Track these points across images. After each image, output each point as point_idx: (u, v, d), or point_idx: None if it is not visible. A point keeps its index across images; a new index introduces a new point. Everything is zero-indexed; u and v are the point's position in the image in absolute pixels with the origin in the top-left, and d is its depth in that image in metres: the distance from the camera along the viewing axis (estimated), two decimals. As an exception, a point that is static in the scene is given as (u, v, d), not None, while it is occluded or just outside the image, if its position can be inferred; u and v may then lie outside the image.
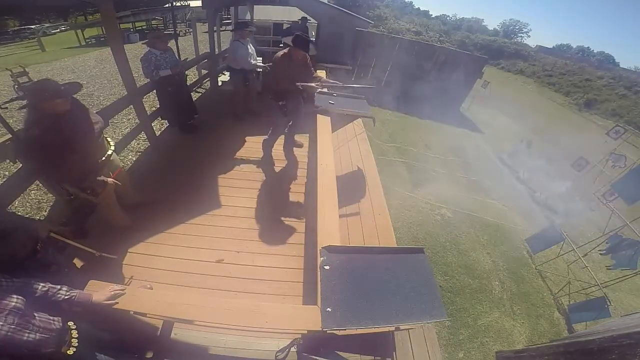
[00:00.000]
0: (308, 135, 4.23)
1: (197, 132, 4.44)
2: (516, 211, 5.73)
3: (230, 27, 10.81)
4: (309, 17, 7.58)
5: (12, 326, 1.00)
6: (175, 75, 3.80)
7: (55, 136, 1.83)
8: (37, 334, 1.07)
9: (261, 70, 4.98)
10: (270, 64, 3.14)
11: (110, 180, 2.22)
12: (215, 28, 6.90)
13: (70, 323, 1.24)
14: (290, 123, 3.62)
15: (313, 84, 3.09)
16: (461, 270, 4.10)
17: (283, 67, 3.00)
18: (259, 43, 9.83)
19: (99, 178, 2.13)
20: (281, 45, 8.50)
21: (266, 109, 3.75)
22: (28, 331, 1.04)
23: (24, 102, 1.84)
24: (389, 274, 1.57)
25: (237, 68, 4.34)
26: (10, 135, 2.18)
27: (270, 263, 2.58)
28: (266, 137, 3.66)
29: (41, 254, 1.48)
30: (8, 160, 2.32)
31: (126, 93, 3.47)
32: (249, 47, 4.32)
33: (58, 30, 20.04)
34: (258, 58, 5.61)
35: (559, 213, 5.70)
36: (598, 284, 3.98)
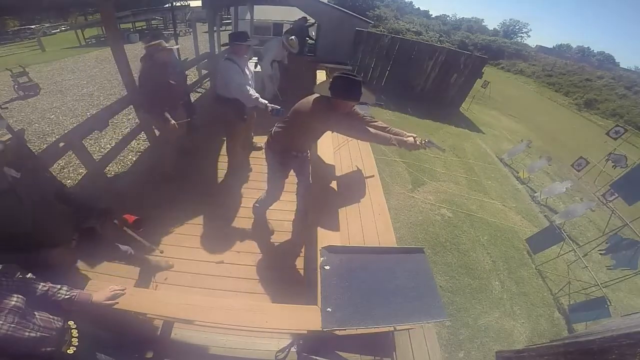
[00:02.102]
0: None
1: (197, 132, 4.44)
2: (516, 211, 5.73)
3: (231, 27, 10.75)
4: (308, 17, 7.57)
5: (12, 325, 1.00)
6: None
7: (161, 74, 2.80)
8: (38, 332, 1.07)
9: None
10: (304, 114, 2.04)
11: (173, 122, 2.89)
12: (215, 28, 6.90)
13: (71, 322, 1.24)
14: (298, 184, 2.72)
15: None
16: (461, 270, 4.09)
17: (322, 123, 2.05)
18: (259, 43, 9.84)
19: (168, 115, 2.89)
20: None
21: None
22: (28, 330, 1.04)
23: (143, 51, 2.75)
24: (389, 274, 1.57)
25: (230, 97, 2.98)
26: (11, 135, 2.18)
27: (271, 263, 2.58)
28: (259, 199, 2.74)
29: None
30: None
31: (126, 93, 3.47)
32: (246, 69, 2.99)
33: (58, 30, 20.06)
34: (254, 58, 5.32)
35: (559, 213, 5.69)
36: (598, 284, 3.98)
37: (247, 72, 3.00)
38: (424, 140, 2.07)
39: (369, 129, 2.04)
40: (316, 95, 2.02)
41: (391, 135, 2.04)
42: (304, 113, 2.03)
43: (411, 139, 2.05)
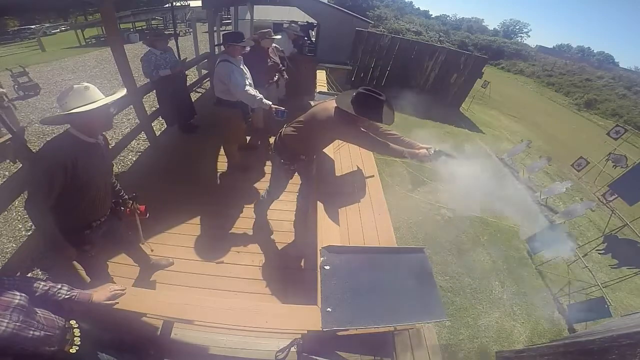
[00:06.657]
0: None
1: (198, 132, 4.45)
2: (516, 211, 5.73)
3: (231, 27, 10.73)
4: (315, 22, 7.54)
5: (18, 323, 0.99)
6: (175, 75, 3.80)
7: (264, 56, 3.61)
8: (42, 331, 1.07)
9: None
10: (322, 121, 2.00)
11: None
12: (215, 28, 6.90)
13: (73, 322, 1.25)
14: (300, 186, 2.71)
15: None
16: (461, 270, 4.09)
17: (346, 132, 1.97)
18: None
19: None
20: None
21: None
22: (32, 329, 1.04)
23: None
24: (389, 274, 1.57)
25: (233, 100, 2.92)
26: (11, 135, 2.19)
27: (271, 263, 2.57)
28: (260, 199, 2.76)
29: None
30: (8, 160, 2.33)
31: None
32: (242, 66, 2.92)
33: (58, 30, 20.04)
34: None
35: (559, 213, 5.69)
36: (598, 284, 3.99)
37: (245, 70, 2.95)
38: (434, 150, 1.97)
39: (384, 142, 1.99)
40: (335, 105, 1.96)
41: (404, 149, 2.01)
42: (321, 121, 1.99)
43: (424, 151, 1.98)
